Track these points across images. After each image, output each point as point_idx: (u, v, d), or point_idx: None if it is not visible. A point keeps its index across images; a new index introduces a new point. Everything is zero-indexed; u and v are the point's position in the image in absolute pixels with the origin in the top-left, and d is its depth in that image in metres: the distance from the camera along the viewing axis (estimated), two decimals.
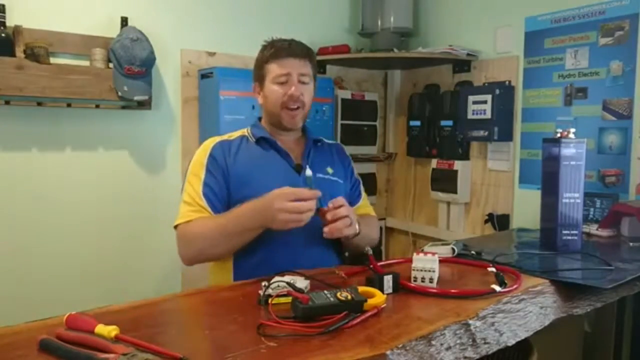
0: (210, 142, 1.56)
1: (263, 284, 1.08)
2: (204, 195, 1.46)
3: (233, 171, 1.49)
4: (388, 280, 1.14)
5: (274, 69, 1.53)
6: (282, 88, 1.52)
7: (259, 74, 1.58)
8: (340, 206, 1.36)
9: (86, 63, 2.20)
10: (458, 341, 0.98)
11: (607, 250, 1.71)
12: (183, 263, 1.47)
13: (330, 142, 1.74)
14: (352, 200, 1.65)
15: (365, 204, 1.71)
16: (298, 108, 1.53)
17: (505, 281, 1.19)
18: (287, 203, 1.27)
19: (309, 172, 1.35)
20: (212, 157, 1.51)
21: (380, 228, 3.19)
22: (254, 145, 1.56)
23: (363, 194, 1.73)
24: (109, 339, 0.84)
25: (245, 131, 1.61)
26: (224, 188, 1.48)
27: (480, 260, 1.44)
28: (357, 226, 1.42)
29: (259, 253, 1.43)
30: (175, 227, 1.46)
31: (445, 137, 2.83)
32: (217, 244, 1.39)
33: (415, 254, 1.22)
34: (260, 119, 1.65)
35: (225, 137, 1.59)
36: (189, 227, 1.43)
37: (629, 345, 2.00)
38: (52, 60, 2.12)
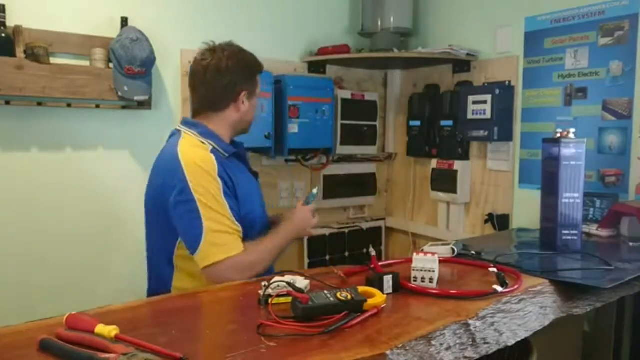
0: (210, 160, 1.45)
1: (263, 284, 1.08)
2: (238, 222, 1.44)
3: (237, 189, 1.50)
4: (388, 280, 1.14)
5: (259, 84, 1.61)
6: None
7: (252, 83, 1.58)
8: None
9: (86, 63, 2.20)
10: (458, 341, 0.98)
11: (607, 250, 1.71)
12: None
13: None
14: None
15: None
16: None
17: (507, 281, 1.19)
18: (313, 218, 1.60)
19: (315, 190, 1.63)
20: (222, 179, 1.45)
21: (380, 228, 3.21)
22: (229, 160, 1.54)
23: None
24: (109, 339, 0.84)
25: (209, 146, 1.51)
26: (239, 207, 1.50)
27: (481, 260, 1.44)
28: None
29: None
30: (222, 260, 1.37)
31: (445, 137, 2.83)
32: (269, 263, 1.48)
33: (415, 254, 1.22)
34: (208, 130, 1.54)
35: (205, 151, 1.48)
36: (246, 257, 1.40)
37: (629, 345, 2.00)
38: (52, 60, 2.11)
